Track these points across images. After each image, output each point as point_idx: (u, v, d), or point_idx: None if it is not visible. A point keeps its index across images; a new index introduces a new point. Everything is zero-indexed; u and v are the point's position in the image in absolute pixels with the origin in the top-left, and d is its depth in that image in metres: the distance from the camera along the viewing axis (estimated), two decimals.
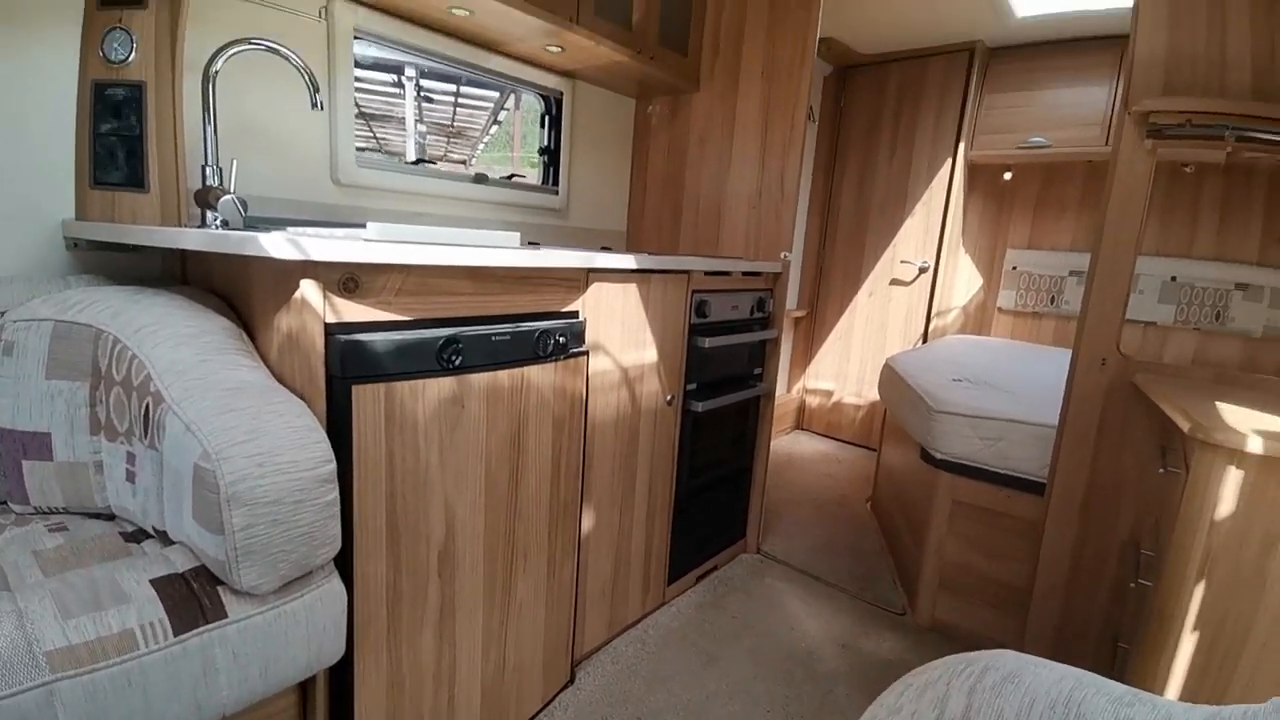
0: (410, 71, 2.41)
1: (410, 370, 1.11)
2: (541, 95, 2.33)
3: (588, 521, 1.61)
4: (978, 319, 3.88)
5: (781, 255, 2.22)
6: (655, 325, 1.72)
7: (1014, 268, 3.73)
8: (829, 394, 4.02)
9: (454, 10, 1.71)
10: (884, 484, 2.76)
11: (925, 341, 3.58)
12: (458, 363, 1.17)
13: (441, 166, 2.31)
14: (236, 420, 0.91)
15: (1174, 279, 3.26)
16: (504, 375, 1.27)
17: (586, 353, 1.49)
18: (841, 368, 3.97)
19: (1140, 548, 1.40)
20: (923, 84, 3.49)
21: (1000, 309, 3.80)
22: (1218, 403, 1.14)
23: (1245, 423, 1.00)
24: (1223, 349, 3.08)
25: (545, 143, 2.40)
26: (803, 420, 4.16)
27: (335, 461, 0.95)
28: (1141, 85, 1.46)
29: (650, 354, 1.72)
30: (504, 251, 1.20)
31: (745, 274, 2.07)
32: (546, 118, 2.38)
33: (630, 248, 2.68)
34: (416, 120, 2.81)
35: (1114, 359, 1.55)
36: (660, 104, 2.54)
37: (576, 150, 2.43)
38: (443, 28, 1.87)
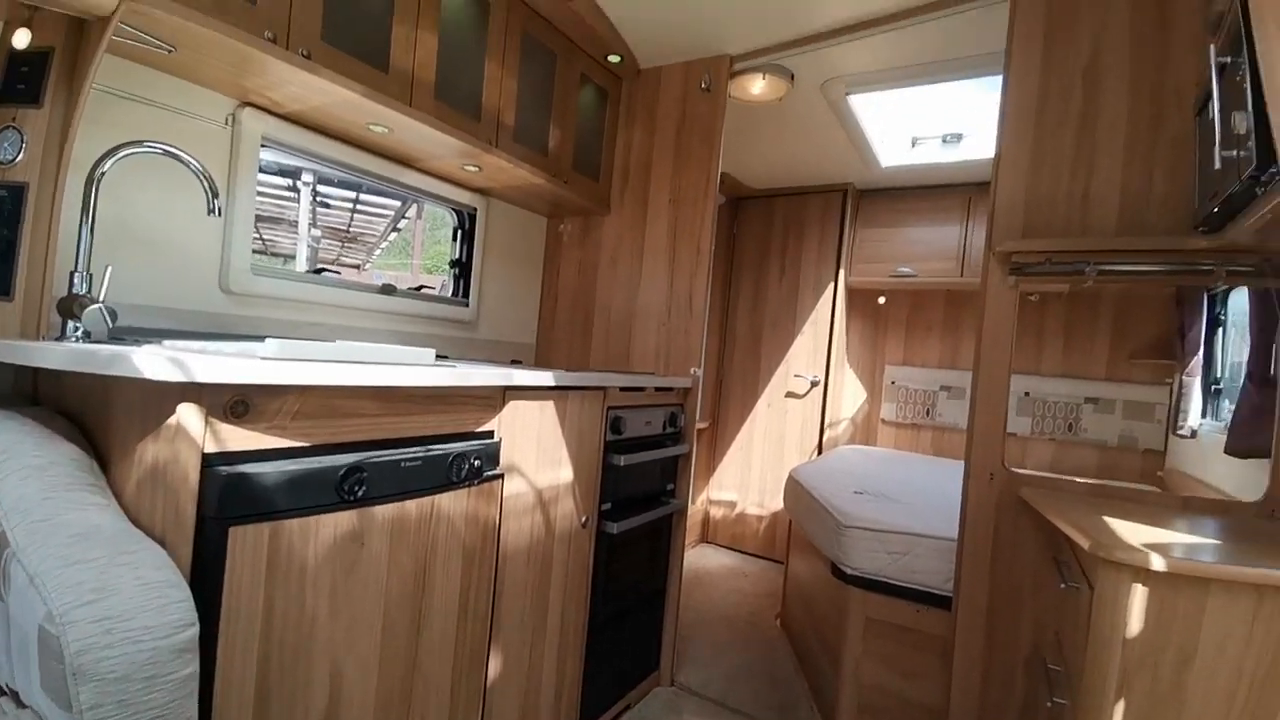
0: (308, 176, 2.35)
1: (304, 505, 0.98)
2: (455, 210, 2.34)
3: (495, 666, 1.44)
4: (865, 430, 4.12)
5: (691, 371, 2.27)
6: (571, 443, 1.66)
7: (893, 382, 4.04)
8: (732, 505, 4.03)
9: (372, 126, 1.71)
10: (793, 599, 2.74)
11: (820, 452, 3.72)
12: (360, 494, 1.05)
13: (344, 275, 2.22)
14: (82, 574, 0.75)
15: (1027, 394, 3.64)
16: (412, 505, 1.15)
17: (501, 475, 1.40)
18: (744, 478, 4.02)
19: (1047, 662, 1.44)
20: (804, 217, 3.87)
21: (884, 420, 4.07)
22: (1105, 517, 1.23)
23: (1137, 537, 1.07)
24: (1079, 457, 3.43)
25: (457, 255, 2.37)
26: (708, 533, 4.12)
27: (199, 624, 0.80)
28: (1003, 227, 1.68)
29: (566, 473, 1.65)
30: (417, 370, 1.13)
31: (658, 389, 2.08)
32: (459, 231, 2.37)
33: (540, 361, 2.65)
34: (311, 224, 2.71)
35: (1000, 474, 1.66)
36: (572, 223, 2.62)
37: (488, 264, 2.42)
38: (358, 142, 1.85)
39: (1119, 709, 1.01)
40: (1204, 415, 2.56)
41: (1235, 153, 1.06)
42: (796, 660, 2.48)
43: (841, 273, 3.73)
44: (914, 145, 3.32)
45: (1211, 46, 1.13)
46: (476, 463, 1.29)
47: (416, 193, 2.17)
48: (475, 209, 2.35)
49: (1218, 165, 1.10)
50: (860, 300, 3.99)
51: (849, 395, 4.05)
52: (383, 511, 1.09)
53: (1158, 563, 0.97)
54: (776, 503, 3.83)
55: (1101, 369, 3.50)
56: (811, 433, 3.79)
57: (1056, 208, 1.63)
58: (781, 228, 3.95)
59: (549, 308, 2.66)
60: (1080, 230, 1.60)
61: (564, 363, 2.57)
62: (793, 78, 2.38)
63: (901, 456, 3.64)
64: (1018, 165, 1.67)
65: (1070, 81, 1.63)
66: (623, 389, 1.87)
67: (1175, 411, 2.77)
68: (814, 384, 3.78)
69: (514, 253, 2.54)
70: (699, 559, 3.76)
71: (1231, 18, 1.07)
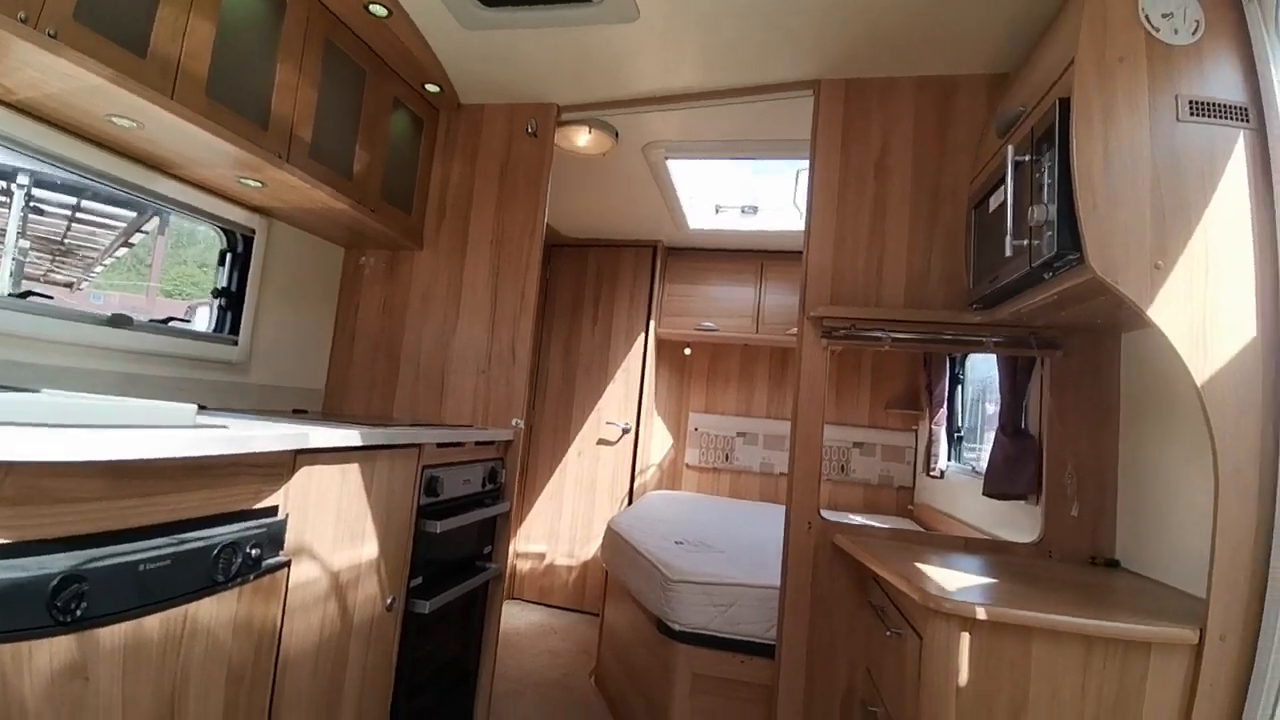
0: (24, 178, 1.83)
1: (12, 626, 0.66)
2: (224, 230, 1.94)
3: None
4: (671, 475, 4.23)
5: (513, 423, 2.11)
6: (379, 511, 1.41)
7: (696, 429, 4.23)
8: (541, 556, 3.85)
9: (114, 119, 1.33)
10: (610, 655, 2.64)
11: (631, 499, 3.73)
12: (79, 611, 0.74)
13: (60, 301, 1.71)
14: None
15: None
16: (154, 622, 0.85)
17: (287, 563, 1.12)
18: (554, 527, 3.87)
19: (865, 704, 1.52)
20: (618, 268, 3.94)
21: (688, 465, 4.23)
22: (918, 564, 1.33)
23: (954, 584, 1.17)
24: (850, 495, 3.86)
25: (225, 283, 1.96)
26: (514, 587, 3.87)
27: None
28: (815, 295, 1.82)
29: (370, 549, 1.39)
30: (173, 435, 0.85)
31: (479, 443, 1.89)
32: (229, 255, 1.97)
33: (329, 408, 2.28)
34: (20, 234, 2.11)
35: (817, 522, 1.76)
36: (376, 256, 2.34)
37: (267, 295, 2.04)
38: (95, 136, 1.44)
39: None
40: (949, 459, 3.03)
41: (1026, 241, 1.24)
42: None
43: (652, 324, 3.84)
44: (718, 212, 3.58)
45: (1010, 146, 1.32)
46: (254, 551, 1.01)
47: (172, 204, 1.76)
48: (252, 230, 1.97)
49: (1009, 253, 1.27)
50: (668, 351, 4.15)
51: (657, 442, 4.15)
52: (111, 634, 0.78)
53: (981, 612, 1.05)
54: (587, 552, 3.73)
55: (865, 417, 4.01)
56: (623, 479, 3.79)
57: (857, 279, 1.81)
58: (595, 277, 3.98)
59: (344, 350, 2.33)
60: (876, 301, 1.80)
61: (361, 412, 2.25)
62: (617, 135, 2.41)
63: (708, 500, 3.79)
64: (825, 240, 1.84)
65: (865, 172, 1.85)
66: (440, 445, 1.66)
67: (927, 455, 3.24)
68: (625, 431, 3.80)
69: (301, 284, 2.19)
70: (506, 618, 3.47)
71: (1036, 120, 1.27)
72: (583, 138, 2.40)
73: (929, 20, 1.65)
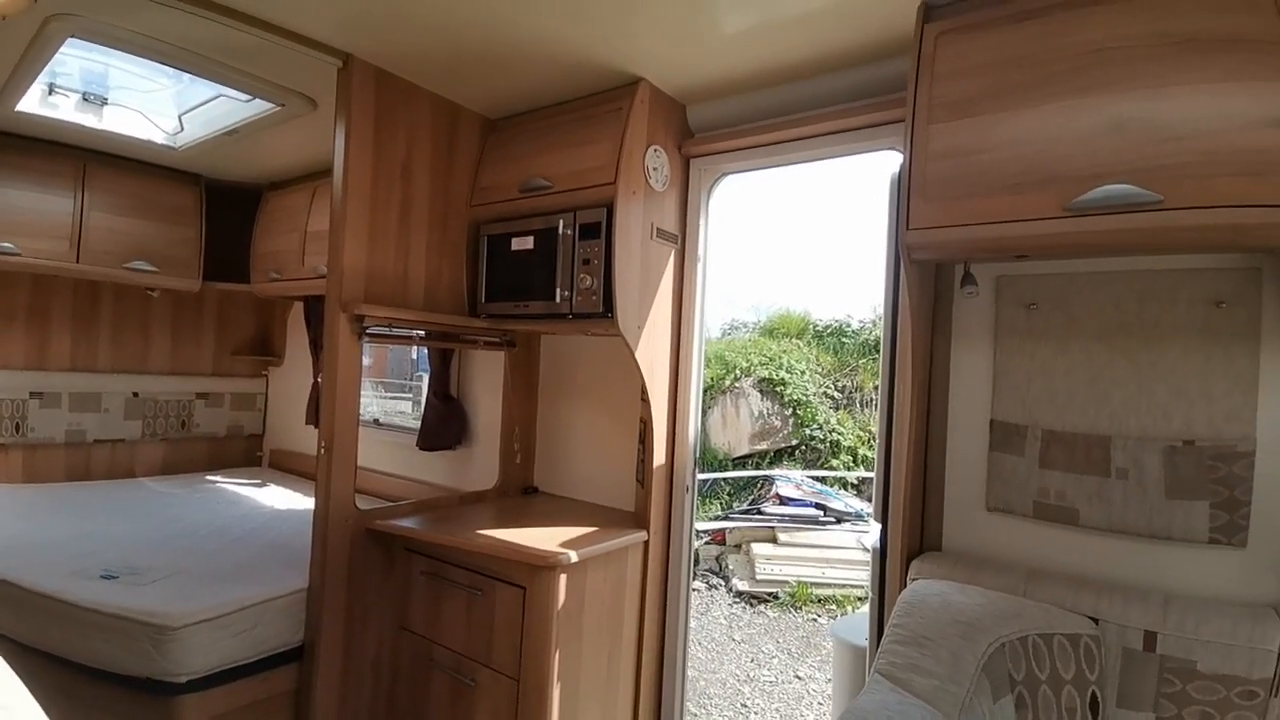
0: None
1: None
2: None
3: None
4: None
5: None
6: None
7: None
8: None
9: None
10: None
11: None
12: None
13: None
14: None
15: (136, 394, 3.37)
16: None
17: None
18: None
19: (431, 657, 1.78)
20: None
21: None
22: (481, 531, 1.70)
23: (524, 539, 1.63)
24: (192, 453, 3.56)
25: None
26: None
27: None
28: (351, 290, 1.79)
29: None
30: None
31: None
32: None
33: None
34: None
35: (354, 514, 1.82)
36: None
37: None
38: None
39: (556, 656, 1.56)
40: None
41: (569, 293, 1.75)
42: None
43: None
44: (51, 93, 2.47)
45: (561, 220, 1.77)
46: None
47: None
48: None
49: (558, 300, 1.76)
50: None
51: None
52: None
53: (574, 556, 1.56)
54: None
55: (209, 365, 3.65)
56: None
57: (388, 279, 1.90)
58: None
59: None
60: (403, 302, 1.93)
61: None
62: None
63: (35, 495, 2.71)
64: (359, 235, 1.82)
65: (394, 172, 1.91)
66: None
67: (313, 405, 3.31)
68: None
69: None
70: None
71: (583, 213, 1.75)
72: None
73: (448, 43, 1.70)
